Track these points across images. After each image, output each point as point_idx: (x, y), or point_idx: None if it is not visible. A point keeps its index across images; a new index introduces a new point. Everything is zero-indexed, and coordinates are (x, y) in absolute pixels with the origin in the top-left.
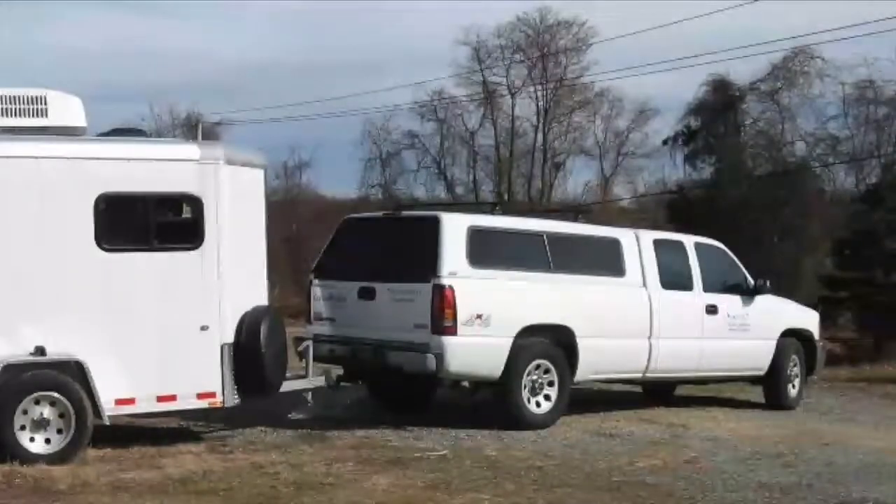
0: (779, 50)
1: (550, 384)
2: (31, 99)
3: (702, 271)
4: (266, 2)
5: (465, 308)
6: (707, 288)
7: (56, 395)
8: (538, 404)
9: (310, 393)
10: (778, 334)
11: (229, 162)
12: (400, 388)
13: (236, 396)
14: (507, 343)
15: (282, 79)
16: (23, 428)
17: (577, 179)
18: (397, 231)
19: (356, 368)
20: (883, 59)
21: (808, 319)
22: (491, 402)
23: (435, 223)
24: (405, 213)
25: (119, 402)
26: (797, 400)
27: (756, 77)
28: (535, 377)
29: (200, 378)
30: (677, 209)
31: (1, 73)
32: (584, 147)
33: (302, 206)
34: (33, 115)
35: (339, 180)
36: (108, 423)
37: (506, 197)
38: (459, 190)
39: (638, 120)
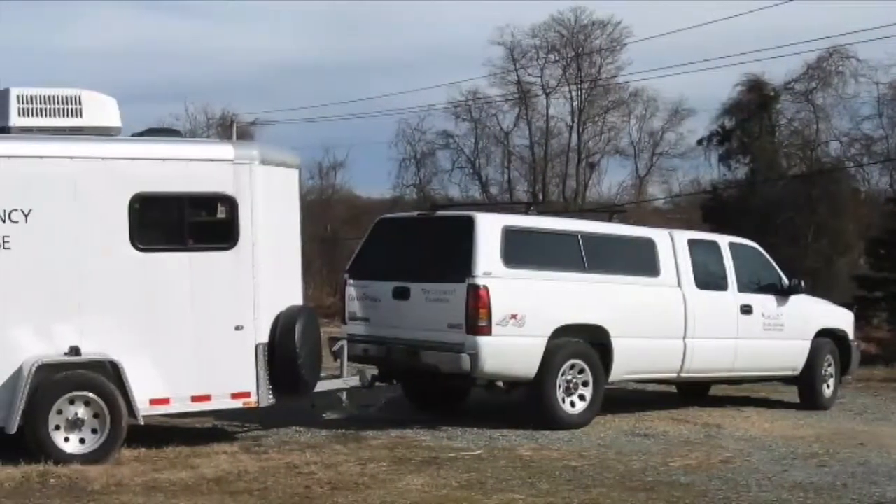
0: (813, 50)
1: (585, 384)
2: (66, 99)
3: (736, 271)
4: (301, 2)
5: (499, 308)
6: (741, 288)
7: (90, 394)
8: (572, 404)
9: (344, 393)
10: (812, 334)
11: (264, 162)
12: (434, 389)
13: (271, 396)
14: (541, 343)
15: (316, 79)
16: (57, 428)
17: (612, 179)
18: (432, 231)
19: (390, 368)
20: None
21: (842, 319)
22: (525, 402)
23: (469, 223)
24: (440, 213)
25: (153, 401)
26: (831, 400)
27: (791, 77)
28: (569, 377)
29: (235, 378)
30: (712, 209)
31: (36, 73)
32: (619, 147)
33: (336, 206)
34: (68, 116)
35: (373, 180)
36: (142, 423)
37: (540, 197)
38: (494, 190)
39: (672, 120)
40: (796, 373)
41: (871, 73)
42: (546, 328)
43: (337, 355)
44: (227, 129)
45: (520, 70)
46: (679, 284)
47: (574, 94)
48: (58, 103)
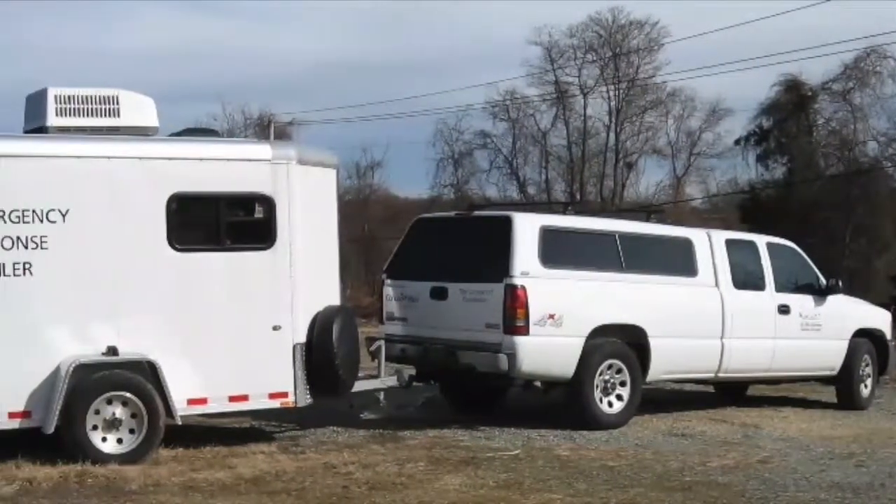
0: (851, 50)
1: (622, 384)
2: (104, 99)
3: (774, 271)
4: (341, 2)
5: (537, 308)
6: (779, 288)
7: (128, 394)
8: (610, 404)
9: (382, 393)
10: (850, 334)
11: (301, 162)
12: (472, 388)
13: (308, 396)
14: (579, 343)
15: (354, 79)
16: (95, 428)
17: (649, 179)
18: (469, 231)
19: (428, 368)
20: None
21: (879, 319)
22: (563, 402)
23: (507, 223)
24: (477, 213)
25: (191, 401)
26: (869, 400)
27: (828, 77)
28: (607, 377)
29: (273, 378)
30: (749, 209)
31: (74, 73)
32: (657, 147)
33: (374, 205)
34: (106, 116)
35: (411, 180)
36: (180, 423)
37: (578, 197)
38: (531, 190)
39: (710, 120)
40: (834, 373)
41: None
42: (584, 328)
43: (375, 355)
44: (265, 128)
45: (558, 70)
46: (717, 284)
47: (612, 93)
48: (95, 103)
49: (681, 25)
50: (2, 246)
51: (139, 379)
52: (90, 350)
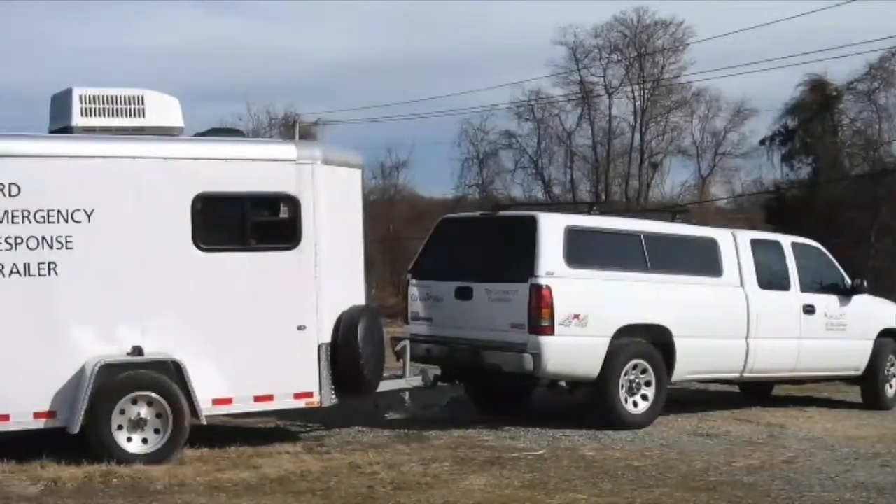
0: (876, 50)
1: (647, 384)
2: (129, 99)
3: (799, 271)
4: (365, 2)
5: (562, 308)
6: (804, 288)
7: (153, 394)
8: (635, 404)
9: (407, 393)
10: (875, 334)
11: (326, 162)
12: (497, 388)
13: (333, 396)
14: (604, 343)
15: (379, 79)
16: (120, 428)
17: (674, 179)
18: (494, 231)
19: (453, 368)
20: None
21: None
22: (588, 402)
23: (532, 223)
24: (502, 213)
25: (216, 401)
26: (894, 400)
27: (853, 77)
28: (632, 377)
29: (297, 378)
30: (774, 209)
31: (98, 73)
32: (682, 147)
33: (399, 205)
34: (131, 116)
35: (436, 180)
36: (205, 423)
37: (603, 197)
38: (556, 190)
39: (735, 120)
40: (859, 373)
41: None
42: (609, 328)
43: (399, 355)
44: (290, 128)
45: (582, 70)
46: (742, 284)
47: (637, 93)
48: (120, 103)
49: (706, 25)
50: (27, 246)
51: (164, 379)
52: (115, 350)
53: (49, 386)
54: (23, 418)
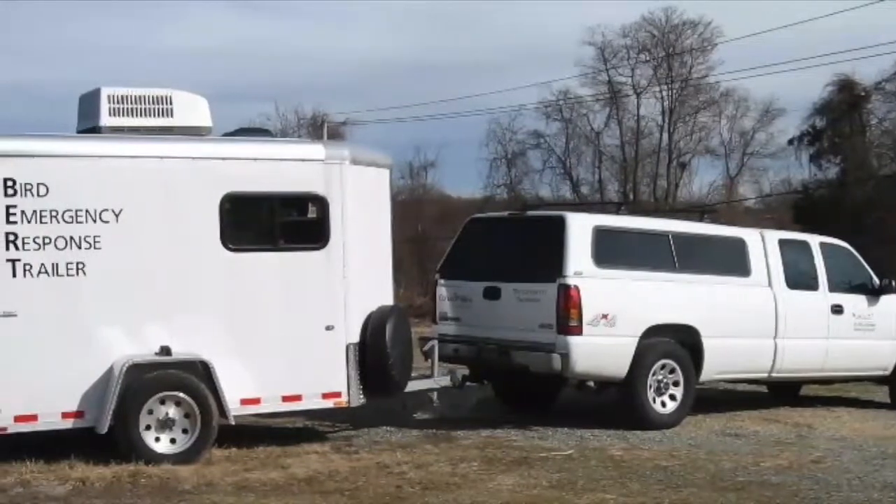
0: None
1: (676, 384)
2: (157, 99)
3: (827, 271)
4: (393, 2)
5: (590, 308)
6: (832, 288)
7: (181, 394)
8: (663, 404)
9: (435, 393)
10: None
11: (355, 162)
12: (525, 389)
13: (362, 396)
14: (632, 343)
15: (407, 79)
16: (148, 428)
17: (703, 179)
18: (523, 231)
19: (481, 368)
20: None
21: None
22: (616, 402)
23: (560, 223)
24: (530, 212)
25: (244, 401)
26: None
27: (882, 76)
28: (660, 377)
29: (326, 378)
30: (802, 209)
31: (127, 73)
32: (710, 147)
33: (427, 205)
34: (159, 115)
35: (464, 180)
36: (233, 423)
37: (631, 197)
38: (584, 190)
39: (763, 120)
40: (887, 373)
41: None
42: (637, 328)
43: (428, 355)
44: (318, 128)
45: (611, 70)
46: (770, 284)
47: (665, 93)
48: (148, 103)
49: (734, 25)
50: (55, 246)
51: (192, 379)
52: (143, 350)
53: (77, 386)
54: (51, 418)
